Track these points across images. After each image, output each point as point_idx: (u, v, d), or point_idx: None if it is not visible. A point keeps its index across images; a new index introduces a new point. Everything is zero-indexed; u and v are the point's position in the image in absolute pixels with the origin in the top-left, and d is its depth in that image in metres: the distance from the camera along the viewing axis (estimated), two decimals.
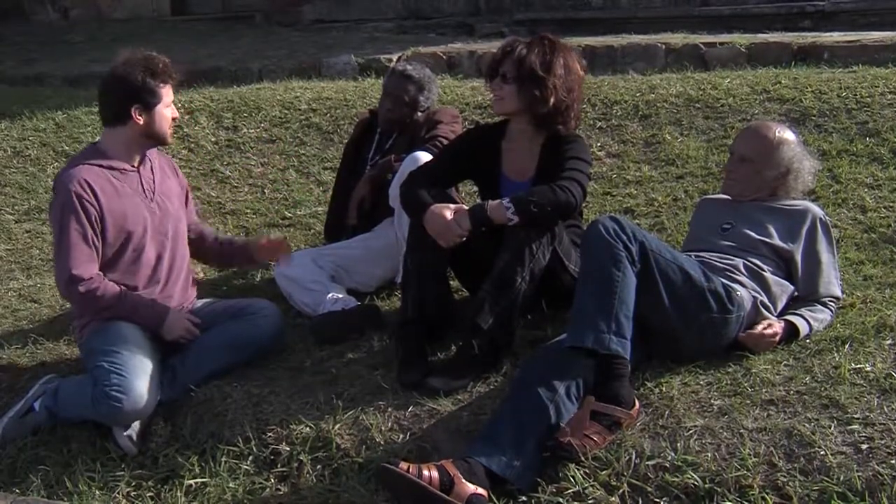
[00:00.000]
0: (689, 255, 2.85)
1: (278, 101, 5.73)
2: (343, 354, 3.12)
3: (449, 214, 2.83)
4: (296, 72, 6.58)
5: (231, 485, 2.59)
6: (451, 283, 3.21)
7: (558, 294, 2.99)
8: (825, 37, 6.11)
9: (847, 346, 2.75)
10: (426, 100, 3.79)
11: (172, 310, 3.01)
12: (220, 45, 8.02)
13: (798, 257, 2.94)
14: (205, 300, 3.25)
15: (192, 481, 2.62)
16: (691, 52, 6.10)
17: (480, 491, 2.33)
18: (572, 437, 2.38)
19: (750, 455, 2.32)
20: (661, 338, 2.74)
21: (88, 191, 2.89)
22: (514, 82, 2.99)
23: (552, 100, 2.98)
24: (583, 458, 2.38)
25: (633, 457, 2.39)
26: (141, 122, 2.95)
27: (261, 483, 2.60)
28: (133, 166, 3.05)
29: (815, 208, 3.03)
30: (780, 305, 2.90)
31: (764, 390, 2.56)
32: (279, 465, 2.64)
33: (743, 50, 5.97)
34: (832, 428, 2.37)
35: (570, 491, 2.34)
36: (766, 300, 2.83)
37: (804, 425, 2.39)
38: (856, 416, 2.40)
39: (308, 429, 2.69)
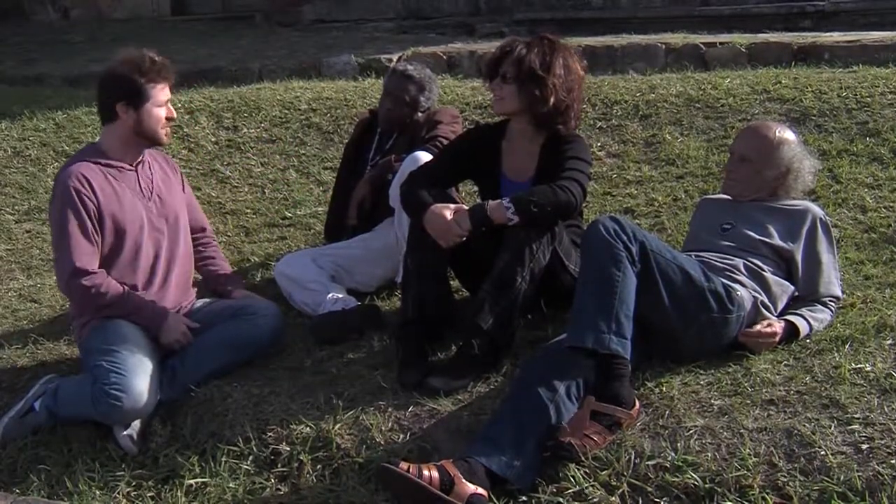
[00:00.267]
0: (690, 255, 2.85)
1: (278, 101, 5.73)
2: (343, 354, 3.12)
3: (449, 214, 2.83)
4: (296, 72, 6.57)
5: (231, 485, 2.59)
6: (451, 283, 3.21)
7: (558, 294, 2.99)
8: (825, 37, 6.11)
9: (847, 346, 2.75)
10: (427, 100, 3.79)
11: (172, 313, 3.01)
12: (220, 45, 8.02)
13: (798, 257, 2.94)
14: (204, 300, 3.26)
15: (192, 481, 2.62)
16: (691, 52, 6.10)
17: (480, 491, 2.33)
18: (572, 436, 2.38)
19: (750, 455, 2.32)
20: (662, 338, 2.74)
21: (87, 186, 2.91)
22: (514, 82, 2.99)
23: (552, 99, 2.97)
24: (583, 458, 2.38)
25: (634, 457, 2.39)
26: (129, 120, 2.96)
27: (261, 483, 2.60)
28: (131, 165, 3.06)
29: (816, 208, 3.03)
30: (781, 305, 2.90)
31: (764, 390, 2.56)
32: (279, 465, 2.64)
33: (743, 50, 5.97)
34: (832, 428, 2.37)
35: (570, 491, 2.34)
36: (766, 300, 2.83)
37: (804, 425, 2.39)
38: (856, 416, 2.40)
39: (308, 429, 2.69)
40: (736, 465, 2.30)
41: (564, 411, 2.49)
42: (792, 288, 2.94)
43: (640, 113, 4.97)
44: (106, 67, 3.02)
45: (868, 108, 4.61)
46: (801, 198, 3.09)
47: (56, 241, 2.95)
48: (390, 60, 6.49)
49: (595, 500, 2.31)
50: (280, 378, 2.99)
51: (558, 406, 2.49)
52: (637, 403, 2.53)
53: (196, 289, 3.29)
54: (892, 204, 3.88)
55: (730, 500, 2.23)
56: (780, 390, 2.56)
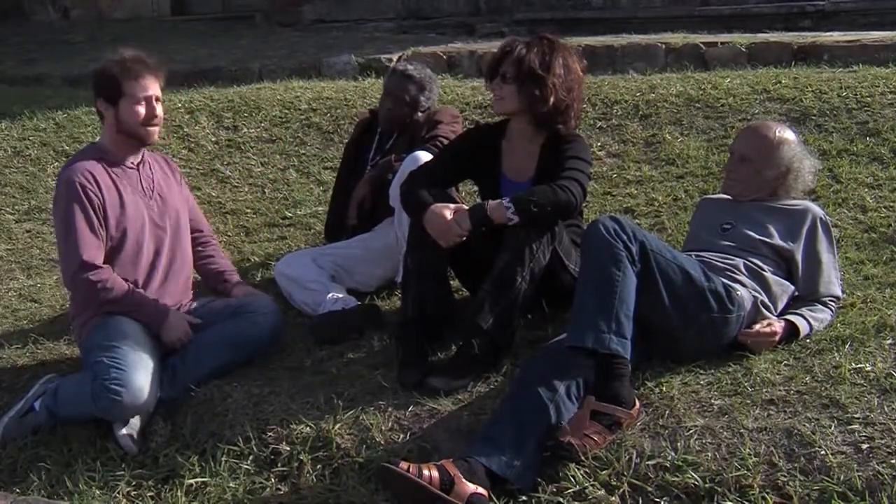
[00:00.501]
0: (690, 255, 2.85)
1: (278, 100, 5.74)
2: (343, 354, 3.12)
3: (449, 214, 2.83)
4: (296, 72, 6.58)
5: (231, 484, 2.59)
6: (452, 283, 3.21)
7: (558, 294, 2.99)
8: (825, 36, 6.11)
9: (847, 346, 2.75)
10: (427, 100, 3.79)
11: (173, 311, 3.01)
12: (220, 45, 8.02)
13: (798, 257, 2.94)
14: (204, 299, 3.25)
15: (192, 481, 2.62)
16: (691, 52, 6.10)
17: (480, 491, 2.33)
18: (572, 436, 2.38)
19: (750, 455, 2.32)
20: (662, 337, 2.74)
21: (92, 182, 2.94)
22: (514, 82, 2.99)
23: (552, 99, 2.97)
24: (583, 458, 2.38)
25: (634, 456, 2.39)
26: (110, 118, 3.01)
27: (261, 483, 2.60)
28: (132, 164, 3.08)
29: (816, 208, 3.03)
30: (781, 305, 2.90)
31: (764, 390, 2.56)
32: (279, 465, 2.64)
33: (743, 50, 5.97)
34: (832, 428, 2.37)
35: (570, 491, 2.34)
36: (766, 300, 2.83)
37: (804, 425, 2.39)
38: (856, 415, 2.40)
39: (308, 428, 2.69)
40: (736, 464, 2.30)
41: (564, 411, 2.49)
42: (792, 288, 2.94)
43: (640, 113, 4.97)
44: None
45: (868, 108, 4.61)
46: (802, 197, 3.09)
47: (62, 236, 2.96)
48: (390, 60, 6.49)
49: (595, 499, 2.31)
50: (280, 378, 2.99)
51: (558, 406, 2.49)
52: (637, 403, 2.53)
53: (196, 290, 3.29)
54: (892, 204, 3.88)
55: (730, 500, 2.23)
56: (780, 390, 2.56)
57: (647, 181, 4.38)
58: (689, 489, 2.29)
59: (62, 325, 3.51)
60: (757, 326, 2.77)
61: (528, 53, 2.98)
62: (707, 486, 2.27)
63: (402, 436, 2.63)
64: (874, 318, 2.90)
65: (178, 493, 2.59)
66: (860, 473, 2.21)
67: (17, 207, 4.95)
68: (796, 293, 2.96)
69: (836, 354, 2.71)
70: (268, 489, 2.58)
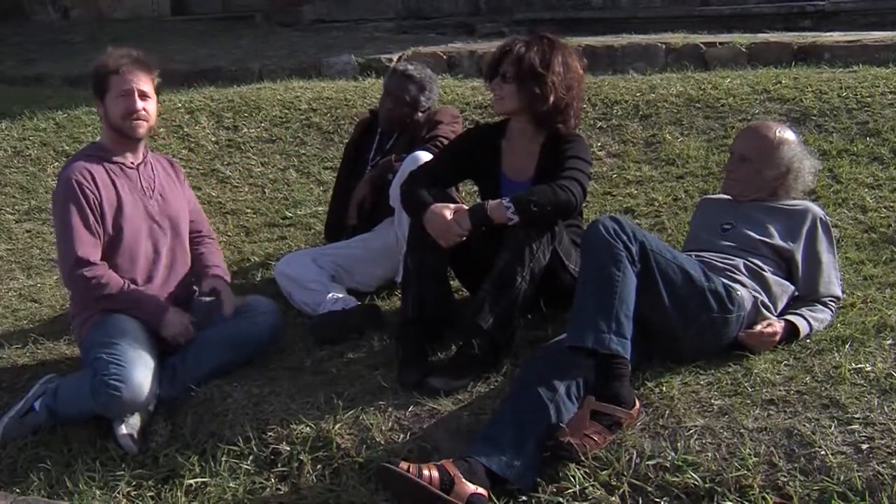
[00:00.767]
0: (690, 255, 2.85)
1: (278, 100, 5.74)
2: (343, 354, 3.12)
3: (449, 214, 2.83)
4: (296, 72, 6.58)
5: (231, 484, 2.59)
6: (452, 283, 3.21)
7: (558, 294, 2.99)
8: (825, 36, 6.11)
9: (847, 346, 2.75)
10: (427, 100, 3.79)
11: (172, 308, 3.01)
12: (221, 45, 8.02)
13: (798, 257, 2.94)
14: (204, 298, 3.25)
15: (192, 481, 2.62)
16: (691, 52, 6.10)
17: (480, 491, 2.33)
18: (572, 436, 2.38)
19: (750, 455, 2.32)
20: (662, 337, 2.74)
21: (89, 179, 2.96)
22: (514, 81, 2.99)
23: (552, 98, 2.97)
24: (583, 458, 2.38)
25: (634, 457, 2.38)
26: (101, 114, 3.05)
27: (261, 483, 2.60)
28: (132, 164, 3.08)
29: (816, 208, 3.03)
30: (781, 305, 2.90)
31: (764, 390, 2.56)
32: (279, 465, 2.64)
33: (743, 50, 5.96)
34: (832, 428, 2.37)
35: (570, 491, 2.34)
36: (766, 300, 2.83)
37: (804, 425, 2.39)
38: (856, 415, 2.40)
39: (308, 428, 2.69)
40: (736, 465, 2.30)
41: (564, 411, 2.49)
42: (792, 288, 2.94)
43: (640, 113, 4.97)
44: None
45: (868, 108, 4.61)
46: (802, 198, 3.09)
47: (59, 233, 2.99)
48: (390, 60, 6.49)
49: (595, 499, 2.31)
50: (280, 378, 2.99)
51: (558, 406, 2.49)
52: (637, 403, 2.53)
53: (197, 289, 3.29)
54: (892, 204, 3.88)
55: (730, 500, 2.23)
56: (780, 390, 2.56)
57: (647, 181, 4.38)
58: (689, 489, 2.29)
59: (62, 325, 3.52)
60: (758, 327, 2.77)
61: (528, 52, 2.97)
62: (707, 486, 2.27)
63: (402, 436, 2.62)
64: (874, 318, 2.90)
65: (178, 493, 2.59)
66: (860, 473, 2.21)
67: (17, 207, 4.95)
68: (796, 293, 2.96)
69: (836, 354, 2.71)
70: (268, 489, 2.58)
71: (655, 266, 2.59)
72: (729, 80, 5.18)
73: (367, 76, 6.32)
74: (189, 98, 5.89)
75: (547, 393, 2.50)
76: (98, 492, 2.64)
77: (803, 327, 2.82)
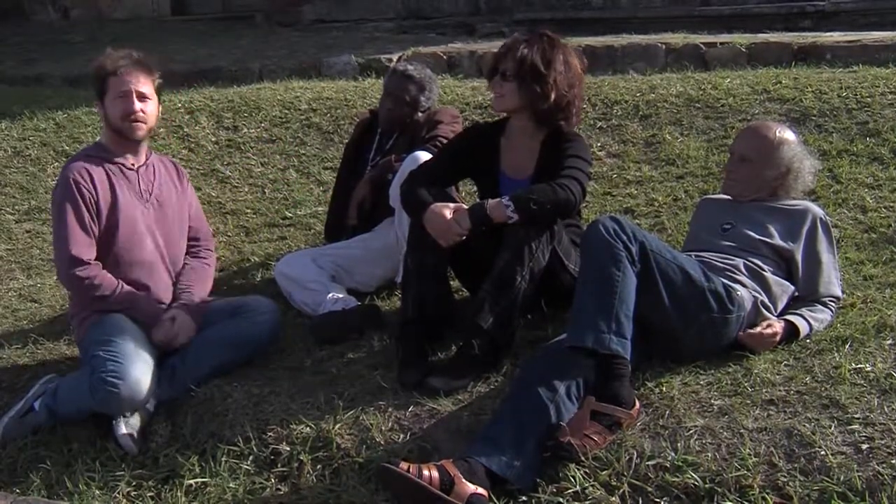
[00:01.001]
0: (690, 255, 2.85)
1: (278, 101, 5.73)
2: (343, 354, 3.12)
3: (449, 213, 2.83)
4: (296, 72, 6.57)
5: (231, 484, 2.59)
6: (452, 283, 3.21)
7: (558, 294, 2.99)
8: (825, 37, 6.11)
9: (847, 346, 2.75)
10: (427, 100, 3.79)
11: (167, 310, 3.02)
12: (221, 45, 8.01)
13: (798, 257, 2.94)
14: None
15: (192, 481, 2.62)
16: (691, 52, 6.09)
17: (480, 491, 2.33)
18: (572, 436, 2.38)
19: (750, 455, 2.32)
20: (662, 338, 2.74)
21: (87, 178, 2.97)
22: (515, 79, 2.99)
23: (553, 95, 2.97)
24: (583, 458, 2.38)
25: (634, 457, 2.39)
26: (102, 115, 3.07)
27: (261, 483, 2.60)
28: (132, 165, 3.09)
29: (816, 208, 3.03)
30: (781, 305, 2.90)
31: (764, 390, 2.56)
32: (279, 465, 2.64)
33: (743, 50, 5.96)
34: (832, 428, 2.37)
35: (570, 491, 2.34)
36: (766, 300, 2.83)
37: (804, 425, 2.39)
38: (856, 416, 2.40)
39: (308, 429, 2.69)
40: (736, 465, 2.30)
41: (564, 411, 2.49)
42: (792, 288, 2.94)
43: (640, 113, 4.97)
44: None
45: (868, 108, 4.61)
46: (802, 198, 3.09)
47: (55, 231, 3.00)
48: (390, 60, 6.49)
49: (595, 499, 2.31)
50: (280, 378, 2.99)
51: (558, 406, 2.49)
52: (637, 403, 2.53)
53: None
54: (892, 204, 3.88)
55: (730, 500, 2.23)
56: (780, 390, 2.56)
57: (647, 181, 4.38)
58: (689, 489, 2.29)
59: (62, 325, 3.52)
60: (758, 328, 2.77)
61: (529, 50, 2.97)
62: (707, 486, 2.27)
63: (402, 436, 2.62)
64: (874, 318, 2.90)
65: (178, 493, 2.59)
66: (860, 473, 2.21)
67: (17, 207, 4.95)
68: (796, 293, 2.96)
69: (836, 354, 2.71)
70: (268, 489, 2.58)
71: (655, 266, 2.59)
72: (729, 80, 5.18)
73: (367, 76, 6.32)
74: (189, 98, 5.89)
75: (547, 393, 2.50)
76: (98, 492, 2.64)
77: (803, 327, 2.82)
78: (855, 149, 4.32)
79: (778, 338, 2.78)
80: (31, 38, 9.12)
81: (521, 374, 2.67)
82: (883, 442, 2.29)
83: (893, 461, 2.23)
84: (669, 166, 4.47)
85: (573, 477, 2.36)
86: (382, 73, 5.77)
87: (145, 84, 3.03)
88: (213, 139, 5.44)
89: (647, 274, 2.58)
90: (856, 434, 2.34)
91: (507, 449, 2.40)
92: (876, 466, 2.23)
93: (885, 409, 2.42)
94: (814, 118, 4.62)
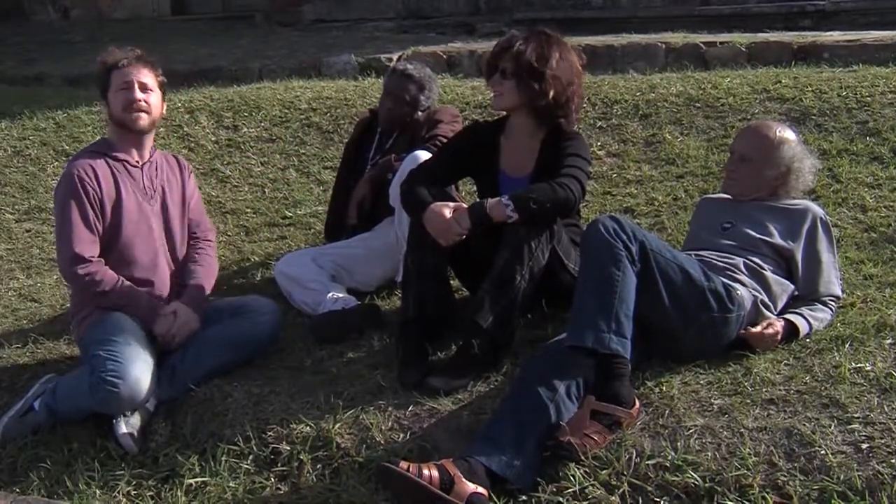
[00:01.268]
0: (690, 255, 2.85)
1: (278, 100, 5.74)
2: (343, 354, 3.12)
3: (448, 213, 2.83)
4: (296, 71, 6.58)
5: (231, 484, 2.59)
6: (452, 282, 3.21)
7: (558, 293, 2.99)
8: (825, 36, 6.11)
9: (847, 346, 2.75)
10: (427, 99, 3.79)
11: (169, 305, 3.02)
12: (221, 45, 8.02)
13: (798, 256, 2.94)
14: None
15: (192, 480, 2.62)
16: (691, 52, 6.10)
17: (480, 490, 2.33)
18: (572, 436, 2.38)
19: (750, 454, 2.32)
20: (661, 337, 2.74)
21: (91, 175, 2.98)
22: (513, 77, 2.99)
23: (551, 92, 2.97)
24: (583, 458, 2.38)
25: (634, 456, 2.38)
26: (106, 110, 3.10)
27: (261, 482, 2.60)
28: (137, 162, 3.09)
29: (816, 207, 3.03)
30: (781, 304, 2.90)
31: (764, 390, 2.56)
32: (279, 465, 2.64)
33: (743, 49, 5.97)
34: (832, 427, 2.37)
35: (570, 490, 2.34)
36: (766, 299, 2.83)
37: (804, 425, 2.39)
38: (856, 415, 2.40)
39: (308, 428, 2.69)
40: (736, 464, 2.30)
41: (564, 411, 2.49)
42: (792, 287, 2.94)
43: (640, 112, 4.97)
44: None
45: (868, 108, 4.61)
46: (802, 197, 3.09)
47: (58, 228, 3.00)
48: (390, 60, 6.49)
49: (595, 499, 2.31)
50: (280, 378, 2.99)
51: (558, 405, 2.49)
52: (637, 403, 2.53)
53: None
54: (892, 203, 3.88)
55: (730, 500, 2.23)
56: (780, 390, 2.56)
57: (647, 181, 4.38)
58: (689, 489, 2.29)
59: (62, 325, 3.52)
60: (758, 327, 2.77)
61: (527, 48, 2.97)
62: (707, 485, 2.27)
63: (402, 436, 2.62)
64: (874, 318, 2.90)
65: (178, 493, 2.59)
66: (860, 473, 2.21)
67: (17, 207, 4.95)
68: (796, 292, 2.96)
69: (836, 354, 2.71)
70: (268, 489, 2.58)
71: (655, 265, 2.59)
72: (729, 79, 5.18)
73: (367, 76, 6.32)
74: (189, 98, 5.89)
75: (547, 392, 2.50)
76: (98, 492, 2.64)
77: (803, 327, 2.82)
78: (855, 148, 4.32)
79: (778, 337, 2.78)
80: (31, 38, 9.13)
81: (521, 373, 2.67)
82: (883, 441, 2.29)
83: (893, 460, 2.23)
84: (669, 166, 4.47)
85: (573, 476, 2.35)
86: (382, 72, 5.78)
87: (147, 76, 3.04)
88: (213, 139, 5.44)
89: (646, 273, 2.58)
90: (856, 433, 2.34)
91: (507, 448, 2.40)
92: (876, 466, 2.23)
93: (885, 408, 2.42)
94: (814, 118, 4.62)
